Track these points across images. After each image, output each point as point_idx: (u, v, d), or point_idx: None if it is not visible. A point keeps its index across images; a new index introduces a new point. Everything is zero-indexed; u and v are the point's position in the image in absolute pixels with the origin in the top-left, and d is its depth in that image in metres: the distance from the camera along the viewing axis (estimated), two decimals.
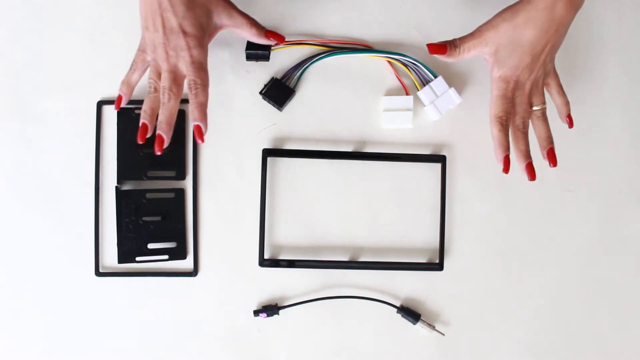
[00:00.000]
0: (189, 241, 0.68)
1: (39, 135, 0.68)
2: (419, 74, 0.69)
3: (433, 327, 0.67)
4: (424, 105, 0.68)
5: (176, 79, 0.58)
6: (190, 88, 0.58)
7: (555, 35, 0.58)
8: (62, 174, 0.68)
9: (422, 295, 0.69)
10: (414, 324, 0.67)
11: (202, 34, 0.58)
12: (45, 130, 0.68)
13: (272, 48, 0.68)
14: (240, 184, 0.68)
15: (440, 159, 0.68)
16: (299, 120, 0.69)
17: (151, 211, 0.67)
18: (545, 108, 0.62)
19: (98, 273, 0.67)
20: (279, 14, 0.70)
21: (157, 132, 0.58)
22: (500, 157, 0.60)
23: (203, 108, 0.58)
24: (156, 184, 0.68)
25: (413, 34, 0.70)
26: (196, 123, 0.58)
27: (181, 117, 0.68)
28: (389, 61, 0.69)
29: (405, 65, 0.69)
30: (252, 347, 0.68)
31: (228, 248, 0.68)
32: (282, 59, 0.69)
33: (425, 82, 0.69)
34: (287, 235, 0.69)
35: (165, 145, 0.58)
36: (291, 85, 0.69)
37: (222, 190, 0.68)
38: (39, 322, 0.67)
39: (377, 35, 0.70)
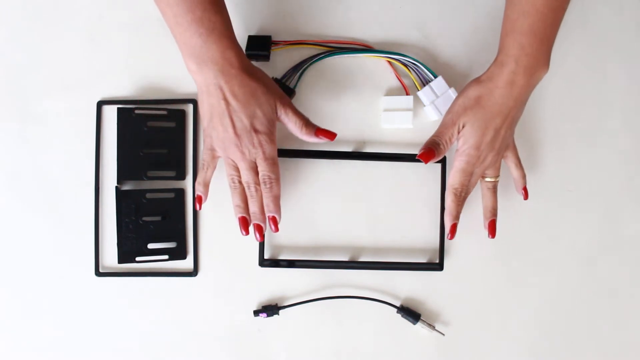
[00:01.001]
0: (189, 241, 0.68)
1: (39, 135, 0.68)
2: (419, 74, 0.69)
3: (433, 327, 0.67)
4: (424, 105, 0.68)
5: (256, 173, 0.61)
6: (264, 182, 0.61)
7: (514, 109, 0.60)
8: (62, 174, 0.68)
9: (422, 295, 0.68)
10: (414, 324, 0.67)
11: (272, 129, 0.61)
12: (45, 130, 0.68)
13: (272, 48, 0.68)
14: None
15: (440, 159, 0.68)
16: None
17: (151, 211, 0.67)
18: (497, 182, 0.65)
19: (98, 273, 0.67)
20: (279, 14, 0.70)
21: (254, 222, 0.62)
22: (448, 224, 0.64)
23: (277, 201, 0.61)
24: (156, 184, 0.68)
25: (413, 34, 0.70)
26: (271, 215, 0.61)
27: (181, 116, 0.68)
28: (389, 61, 0.69)
29: (405, 65, 0.69)
30: (252, 347, 0.68)
31: (228, 248, 0.68)
32: (282, 59, 0.69)
33: (425, 82, 0.69)
34: (287, 235, 0.68)
35: (264, 230, 0.62)
36: (291, 85, 0.69)
37: (222, 190, 0.68)
38: (39, 322, 0.67)
39: (377, 35, 0.70)
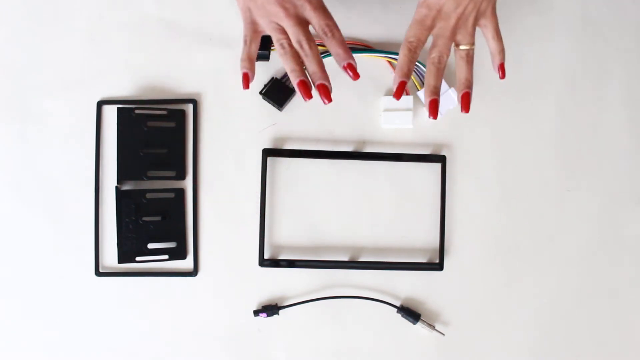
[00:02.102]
0: (189, 241, 0.68)
1: (39, 135, 0.68)
2: (419, 74, 0.69)
3: (433, 327, 0.67)
4: (424, 105, 0.68)
5: (305, 29, 0.56)
6: (325, 32, 0.56)
7: None
8: (62, 174, 0.68)
9: (422, 295, 0.68)
10: (414, 324, 0.67)
11: None
12: (45, 130, 0.68)
13: (272, 48, 0.68)
14: (240, 184, 0.68)
15: (440, 159, 0.68)
16: (299, 120, 0.69)
17: (151, 211, 0.67)
18: (472, 50, 0.58)
19: (98, 273, 0.67)
20: None
21: (318, 83, 0.56)
22: (397, 81, 0.56)
23: (345, 45, 0.56)
24: (156, 184, 0.68)
25: None
26: (346, 62, 0.56)
27: (181, 116, 0.68)
28: (389, 61, 0.69)
29: None
30: (252, 347, 0.68)
31: (228, 248, 0.68)
32: None
33: None
34: (287, 235, 0.68)
35: (330, 90, 0.56)
36: (291, 86, 0.69)
37: (222, 190, 0.68)
38: (39, 322, 0.67)
39: (377, 35, 0.70)
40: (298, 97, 0.69)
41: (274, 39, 0.57)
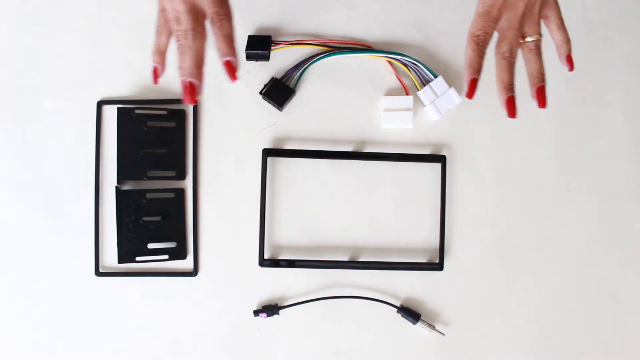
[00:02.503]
0: (189, 241, 0.68)
1: (39, 135, 0.68)
2: (419, 74, 0.69)
3: (433, 327, 0.67)
4: (424, 105, 0.68)
5: (198, 18, 0.52)
6: (213, 21, 0.52)
7: None
8: (62, 174, 0.68)
9: (422, 295, 0.68)
10: (414, 324, 0.67)
11: None
12: (45, 130, 0.68)
13: (272, 48, 0.68)
14: (240, 184, 0.68)
15: (440, 159, 0.68)
16: (299, 120, 0.69)
17: (151, 211, 0.67)
18: (540, 40, 0.54)
19: (98, 273, 0.67)
20: (279, 13, 0.70)
21: (187, 80, 0.52)
22: (468, 78, 0.53)
23: (231, 40, 0.52)
24: (156, 184, 0.68)
25: (413, 34, 0.70)
26: (226, 58, 0.52)
27: (181, 116, 0.68)
28: (389, 61, 0.69)
29: (405, 65, 0.69)
30: (252, 347, 0.68)
31: (228, 248, 0.68)
32: (282, 59, 0.69)
33: (425, 82, 0.69)
34: (287, 235, 0.68)
35: (199, 91, 0.52)
36: (291, 85, 0.69)
37: (222, 190, 0.68)
38: (39, 322, 0.67)
39: (377, 35, 0.70)
40: (298, 97, 0.69)
41: (174, 28, 0.53)
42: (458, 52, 0.70)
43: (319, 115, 0.69)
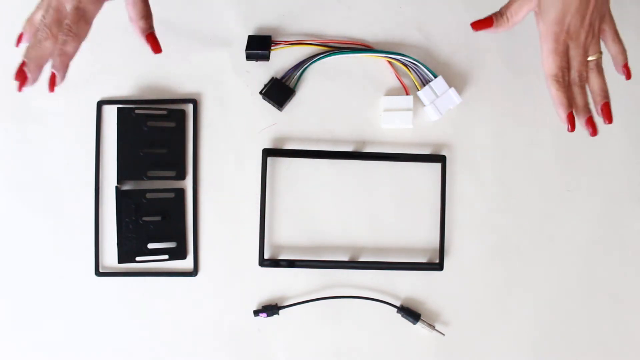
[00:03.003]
0: (189, 241, 0.68)
1: (39, 135, 0.68)
2: (419, 74, 0.69)
3: (433, 327, 0.67)
4: (424, 105, 0.68)
5: (59, 19, 0.52)
6: (61, 32, 0.52)
7: None
8: (62, 174, 0.68)
9: (422, 295, 0.68)
10: (414, 324, 0.67)
11: None
12: (45, 130, 0.68)
13: (272, 48, 0.68)
14: (240, 184, 0.68)
15: (440, 159, 0.68)
16: (299, 120, 0.69)
17: (151, 211, 0.67)
18: (600, 58, 0.56)
19: (98, 273, 0.67)
20: (279, 13, 0.70)
21: (23, 69, 0.53)
22: (564, 115, 0.56)
23: (65, 59, 0.52)
24: (156, 184, 0.68)
25: (413, 34, 0.70)
26: (53, 70, 0.53)
27: (181, 116, 0.68)
28: (389, 61, 0.69)
29: (405, 65, 0.69)
30: (252, 347, 0.68)
31: (228, 248, 0.68)
32: (282, 59, 0.69)
33: (425, 82, 0.69)
34: (287, 235, 0.68)
35: (29, 84, 0.53)
36: (291, 85, 0.69)
37: (222, 190, 0.68)
38: (39, 322, 0.67)
39: (377, 35, 0.70)
40: (298, 97, 0.69)
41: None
42: (458, 52, 0.70)
43: (319, 115, 0.69)
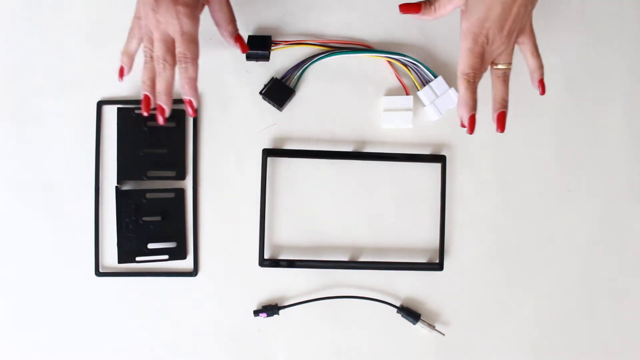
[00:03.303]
0: (189, 241, 0.68)
1: (39, 135, 0.68)
2: (419, 74, 0.69)
3: (433, 327, 0.67)
4: (424, 105, 0.68)
5: (169, 48, 0.56)
6: (179, 61, 0.56)
7: None
8: (62, 174, 0.68)
9: (422, 295, 0.68)
10: (414, 324, 0.67)
11: (195, 3, 0.56)
12: (45, 130, 0.68)
13: (272, 48, 0.68)
14: (240, 184, 0.68)
15: (440, 159, 0.68)
16: (299, 120, 0.69)
17: (151, 211, 0.67)
18: (509, 69, 0.57)
19: (98, 273, 0.67)
20: (279, 13, 0.70)
21: (157, 102, 0.57)
22: (465, 116, 0.57)
23: (193, 83, 0.57)
24: (156, 184, 0.68)
25: (413, 34, 0.70)
26: (187, 98, 0.57)
27: (181, 117, 0.68)
28: (389, 61, 0.69)
29: (405, 65, 0.69)
30: (252, 347, 0.68)
31: (228, 248, 0.68)
32: (282, 59, 0.69)
33: (425, 82, 0.69)
34: (287, 235, 0.68)
35: (167, 114, 0.57)
36: (291, 85, 0.69)
37: (222, 190, 0.68)
38: (39, 322, 0.67)
39: (377, 35, 0.70)
40: (298, 97, 0.69)
41: (143, 44, 0.58)
42: (458, 53, 0.70)
43: (319, 115, 0.69)
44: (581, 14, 0.71)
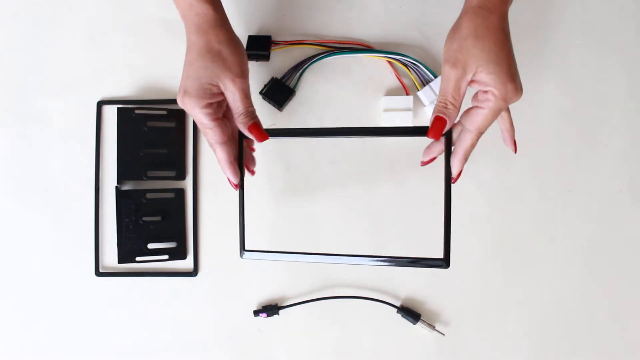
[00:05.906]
0: (189, 241, 0.68)
1: (39, 135, 0.68)
2: (419, 74, 0.69)
3: (433, 327, 0.67)
4: (424, 105, 0.68)
5: (224, 129, 0.57)
6: (209, 146, 0.58)
7: (507, 27, 0.53)
8: (62, 174, 0.68)
9: (422, 295, 0.68)
10: (414, 324, 0.67)
11: (202, 95, 0.55)
12: (45, 130, 0.69)
13: (272, 48, 0.68)
14: None
15: (452, 123, 0.56)
16: (299, 120, 0.69)
17: (151, 211, 0.67)
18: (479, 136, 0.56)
19: (98, 273, 0.67)
20: (279, 13, 0.70)
21: (227, 177, 0.59)
22: (459, 169, 0.56)
23: (221, 164, 0.57)
24: (156, 184, 0.68)
25: (413, 34, 0.70)
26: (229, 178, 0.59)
27: (181, 117, 0.68)
28: (389, 61, 0.69)
29: (405, 65, 0.69)
30: (252, 347, 0.68)
31: (228, 248, 0.68)
32: (282, 59, 0.69)
33: (425, 82, 0.69)
34: (287, 235, 0.68)
35: (234, 182, 0.58)
36: (291, 85, 0.69)
37: (222, 190, 0.68)
38: (39, 322, 0.67)
39: (377, 35, 0.70)
40: (298, 96, 0.69)
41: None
42: None
43: (318, 115, 0.69)
44: (581, 14, 0.71)
